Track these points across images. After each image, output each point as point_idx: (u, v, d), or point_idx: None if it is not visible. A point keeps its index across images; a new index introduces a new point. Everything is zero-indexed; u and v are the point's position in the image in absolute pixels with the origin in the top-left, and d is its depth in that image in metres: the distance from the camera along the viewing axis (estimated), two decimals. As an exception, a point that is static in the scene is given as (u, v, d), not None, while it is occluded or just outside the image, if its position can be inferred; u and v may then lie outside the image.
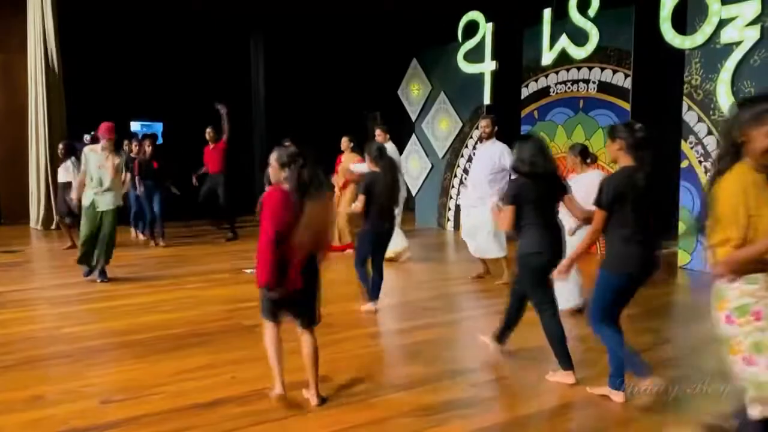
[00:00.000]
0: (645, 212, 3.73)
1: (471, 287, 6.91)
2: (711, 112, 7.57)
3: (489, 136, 6.87)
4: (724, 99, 7.35)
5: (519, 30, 10.03)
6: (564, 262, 3.91)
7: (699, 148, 7.73)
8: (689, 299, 6.85)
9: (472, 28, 10.58)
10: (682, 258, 7.98)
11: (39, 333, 5.25)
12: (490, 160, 6.68)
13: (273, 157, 3.53)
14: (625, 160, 3.85)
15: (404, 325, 5.42)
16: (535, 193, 4.03)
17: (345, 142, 8.94)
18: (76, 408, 3.66)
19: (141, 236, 10.05)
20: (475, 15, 10.48)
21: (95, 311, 5.83)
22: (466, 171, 10.98)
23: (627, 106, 8.48)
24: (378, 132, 8.14)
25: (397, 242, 7.63)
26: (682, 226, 7.96)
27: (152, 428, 3.38)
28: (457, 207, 11.14)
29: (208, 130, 9.84)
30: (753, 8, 7.04)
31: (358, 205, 5.58)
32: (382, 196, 5.59)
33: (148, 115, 13.69)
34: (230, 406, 3.66)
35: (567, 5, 8.93)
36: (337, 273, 6.76)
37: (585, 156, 5.59)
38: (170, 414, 3.56)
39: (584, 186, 5.31)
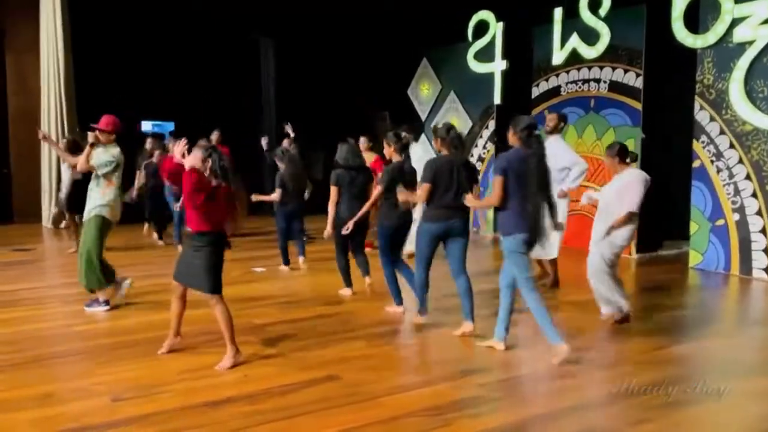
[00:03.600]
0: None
1: (485, 286, 6.89)
2: (723, 112, 7.51)
3: (553, 131, 6.56)
4: (737, 98, 7.31)
5: (529, 29, 10.00)
6: None
7: (711, 147, 7.67)
8: (701, 300, 6.80)
9: (482, 28, 10.56)
10: (694, 258, 7.93)
11: (50, 331, 5.28)
12: (553, 157, 6.33)
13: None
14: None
15: (414, 325, 5.40)
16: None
17: (364, 142, 9.02)
18: (87, 405, 3.67)
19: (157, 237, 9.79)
20: (485, 14, 10.47)
21: (105, 310, 5.85)
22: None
23: (638, 106, 8.44)
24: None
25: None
26: (694, 226, 7.91)
27: (162, 426, 3.39)
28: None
29: (215, 133, 9.82)
30: (766, 7, 6.99)
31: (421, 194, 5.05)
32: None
33: (159, 115, 13.75)
34: (240, 405, 3.66)
35: (578, 4, 8.89)
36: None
37: (623, 156, 5.29)
38: (180, 412, 3.56)
39: (616, 186, 5.28)
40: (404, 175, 5.56)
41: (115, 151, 5.72)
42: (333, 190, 6.05)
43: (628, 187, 5.15)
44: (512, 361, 4.51)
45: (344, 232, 5.84)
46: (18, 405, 3.67)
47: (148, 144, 9.79)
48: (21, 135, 11.73)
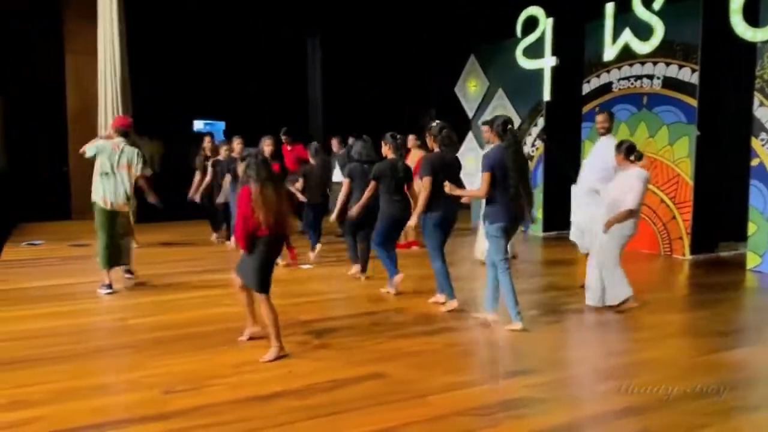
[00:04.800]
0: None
1: (530, 287, 6.81)
2: (784, 108, 7.23)
3: (606, 132, 6.45)
4: (799, 94, 7.03)
5: (580, 25, 9.82)
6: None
7: (771, 145, 7.40)
8: (759, 304, 6.57)
9: (531, 24, 10.42)
10: (752, 260, 7.65)
11: (106, 324, 5.46)
12: (602, 158, 6.24)
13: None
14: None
15: (462, 324, 5.38)
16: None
17: (412, 140, 9.02)
18: (140, 397, 3.78)
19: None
20: (534, 10, 10.32)
21: (158, 304, 6.02)
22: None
23: (694, 102, 8.19)
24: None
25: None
26: (752, 227, 7.64)
27: (212, 419, 3.46)
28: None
29: (284, 131, 9.86)
30: (831, -2, 6.70)
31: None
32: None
33: (211, 114, 14.05)
34: (287, 399, 3.71)
35: (631, -1, 8.68)
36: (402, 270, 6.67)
37: (629, 153, 5.59)
38: (229, 405, 3.63)
39: (622, 183, 5.56)
40: (396, 172, 6.21)
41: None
42: (345, 182, 6.69)
43: (631, 185, 5.46)
44: (562, 361, 4.44)
45: (353, 213, 6.56)
46: (77, 394, 3.81)
47: (207, 142, 9.70)
48: (79, 134, 12.11)
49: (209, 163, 9.18)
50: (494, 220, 5.03)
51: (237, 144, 8.53)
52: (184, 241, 9.66)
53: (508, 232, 5.08)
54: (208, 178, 9.13)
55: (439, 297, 5.87)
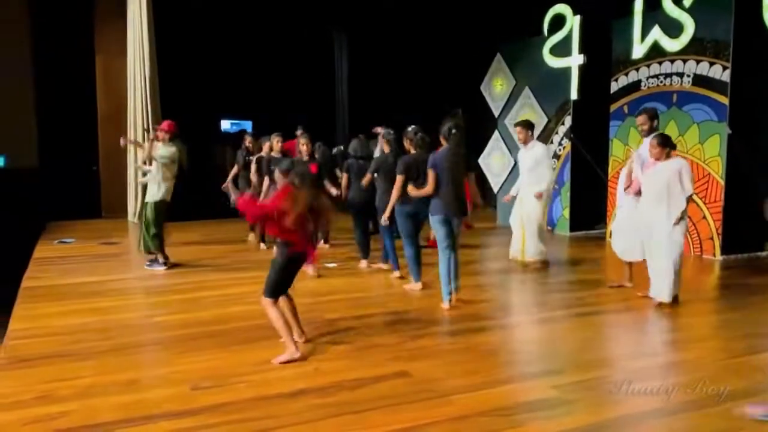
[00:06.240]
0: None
1: (557, 287, 6.76)
2: (819, 106, 7.06)
3: (648, 132, 6.15)
4: (835, 91, 6.86)
5: (608, 22, 9.70)
6: None
7: (805, 143, 7.23)
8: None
9: (558, 22, 10.32)
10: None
11: (134, 321, 5.54)
12: (639, 158, 6.03)
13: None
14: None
15: (486, 324, 5.35)
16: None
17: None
18: (168, 393, 3.83)
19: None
20: (561, 8, 10.22)
21: (185, 301, 6.09)
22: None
23: (725, 100, 8.04)
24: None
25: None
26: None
27: (238, 415, 3.49)
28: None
29: (299, 133, 9.78)
30: None
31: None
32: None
33: (238, 114, 14.16)
34: (312, 397, 3.73)
35: (660, -5, 8.55)
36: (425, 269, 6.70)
37: (666, 144, 5.65)
38: (255, 402, 3.67)
39: (659, 175, 5.68)
40: (387, 166, 6.80)
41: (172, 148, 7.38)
42: (344, 177, 7.41)
43: (679, 174, 5.55)
44: (588, 362, 4.39)
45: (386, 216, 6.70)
46: (105, 390, 3.87)
47: (248, 141, 9.56)
48: (109, 134, 12.33)
49: (253, 159, 8.93)
50: (434, 212, 5.72)
51: (276, 142, 8.43)
52: (209, 240, 9.75)
53: (448, 223, 5.71)
54: (253, 178, 8.70)
55: (396, 273, 6.90)
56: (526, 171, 7.61)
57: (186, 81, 12.26)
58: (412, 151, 6.42)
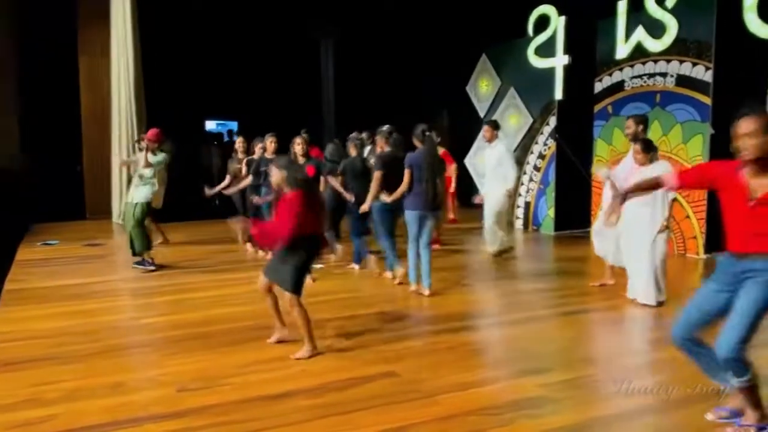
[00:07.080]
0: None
1: (542, 286, 6.80)
2: (800, 106, 7.17)
3: (634, 137, 6.01)
4: (815, 91, 6.96)
5: (592, 23, 9.78)
6: None
7: (786, 143, 7.32)
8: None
9: (542, 22, 10.39)
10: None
11: (120, 323, 5.51)
12: (611, 185, 6.08)
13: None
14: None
15: (473, 323, 5.38)
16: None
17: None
18: (155, 395, 3.82)
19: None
20: (546, 9, 10.29)
21: (172, 303, 6.06)
22: (536, 168, 10.80)
23: (707, 101, 8.13)
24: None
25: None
26: None
27: (226, 417, 3.48)
28: (527, 204, 10.97)
29: (302, 137, 9.63)
30: None
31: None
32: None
33: (223, 115, 14.11)
34: (299, 399, 3.73)
35: (643, -4, 8.63)
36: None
37: (649, 149, 5.72)
38: (241, 404, 3.66)
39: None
40: (355, 168, 7.24)
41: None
42: (322, 179, 7.54)
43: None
44: (574, 361, 4.43)
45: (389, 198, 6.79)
46: (92, 393, 3.85)
47: (239, 144, 9.20)
48: (93, 135, 12.26)
49: (243, 164, 8.67)
50: (409, 207, 6.09)
51: (270, 143, 8.09)
52: (196, 241, 9.71)
53: (421, 218, 6.08)
54: (247, 181, 8.28)
55: (388, 273, 6.89)
56: (490, 169, 8.00)
57: (171, 81, 12.20)
58: (386, 149, 6.75)
